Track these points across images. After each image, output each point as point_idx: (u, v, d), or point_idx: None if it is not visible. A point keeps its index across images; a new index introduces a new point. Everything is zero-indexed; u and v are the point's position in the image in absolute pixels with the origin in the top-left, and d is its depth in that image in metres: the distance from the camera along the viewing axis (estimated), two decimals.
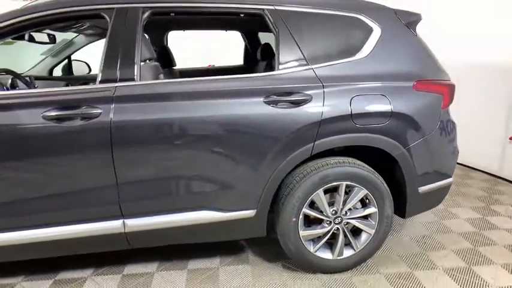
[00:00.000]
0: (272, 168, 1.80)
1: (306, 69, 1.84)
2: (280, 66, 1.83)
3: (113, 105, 1.64)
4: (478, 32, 3.45)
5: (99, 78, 1.68)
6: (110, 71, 1.68)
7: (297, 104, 1.77)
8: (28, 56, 3.03)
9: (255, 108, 1.75)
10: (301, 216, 1.90)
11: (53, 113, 1.59)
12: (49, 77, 2.96)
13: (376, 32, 1.96)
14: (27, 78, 2.33)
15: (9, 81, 2.09)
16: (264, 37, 3.03)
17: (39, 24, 1.74)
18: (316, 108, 1.78)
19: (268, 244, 2.27)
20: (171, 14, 1.93)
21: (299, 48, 1.85)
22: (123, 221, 1.76)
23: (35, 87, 2.33)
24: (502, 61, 3.31)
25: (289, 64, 1.84)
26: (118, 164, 1.66)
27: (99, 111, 1.62)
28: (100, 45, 2.78)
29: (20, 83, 2.23)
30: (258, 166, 1.79)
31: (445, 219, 2.70)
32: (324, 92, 1.80)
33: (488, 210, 2.86)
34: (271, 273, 2.06)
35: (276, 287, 1.94)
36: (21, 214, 1.67)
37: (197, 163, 1.75)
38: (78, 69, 3.24)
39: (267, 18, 1.87)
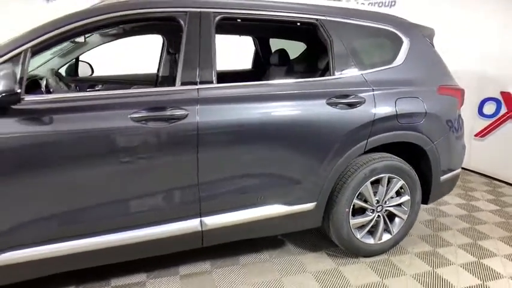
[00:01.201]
0: (333, 164, 1.99)
1: (357, 75, 2.07)
2: (336, 72, 2.03)
3: (198, 106, 1.68)
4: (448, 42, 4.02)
5: (179, 80, 1.71)
6: (190, 73, 1.72)
7: (353, 105, 1.99)
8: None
9: (320, 109, 1.92)
10: (352, 207, 2.11)
11: (141, 114, 1.59)
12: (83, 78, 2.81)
13: (406, 43, 2.26)
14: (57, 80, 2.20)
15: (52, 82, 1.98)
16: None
17: (112, 25, 1.71)
18: (369, 109, 2.01)
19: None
20: (238, 20, 2.01)
21: (350, 55, 2.07)
22: (201, 220, 1.80)
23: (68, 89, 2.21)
24: (468, 67, 3.89)
25: (343, 70, 2.04)
26: (202, 163, 1.71)
27: (186, 112, 1.65)
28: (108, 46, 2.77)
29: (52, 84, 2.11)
30: (322, 162, 1.96)
31: (439, 205, 3.13)
32: (374, 95, 2.04)
33: (467, 196, 3.38)
34: (318, 261, 2.23)
35: (329, 271, 2.12)
36: (107, 217, 1.63)
37: (270, 161, 1.87)
38: (81, 71, 3.08)
39: (320, 28, 2.05)
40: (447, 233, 2.65)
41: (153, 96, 1.67)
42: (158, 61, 3.16)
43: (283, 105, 1.87)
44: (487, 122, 3.89)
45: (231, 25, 2.23)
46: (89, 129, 1.52)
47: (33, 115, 1.46)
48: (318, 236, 2.51)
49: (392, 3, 4.73)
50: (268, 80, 2.68)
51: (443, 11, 4.04)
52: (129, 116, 1.57)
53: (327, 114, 1.93)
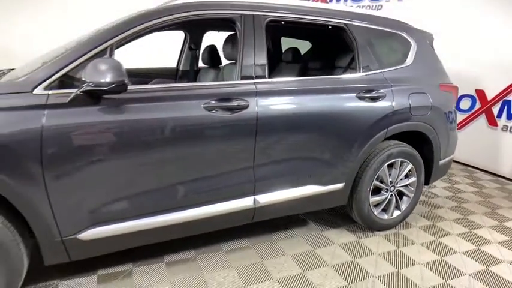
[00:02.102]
0: (360, 149, 2.30)
1: (378, 73, 2.40)
2: (361, 70, 2.34)
3: (256, 98, 1.92)
4: None
5: (239, 74, 1.94)
6: (248, 69, 1.95)
7: (375, 99, 2.31)
8: None
9: (352, 102, 2.23)
10: (372, 187, 2.45)
11: (212, 104, 1.80)
12: None
13: (413, 46, 2.63)
14: None
15: None
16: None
17: (180, 24, 1.89)
18: (389, 102, 2.35)
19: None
20: (282, 23, 2.24)
21: (372, 56, 2.39)
22: (254, 198, 2.04)
23: None
24: (446, 66, 4.38)
25: (367, 68, 2.36)
26: (258, 148, 1.95)
27: (247, 103, 1.88)
28: None
29: None
30: (352, 147, 2.27)
31: (429, 188, 3.58)
32: (392, 90, 2.38)
33: (449, 180, 3.87)
34: (340, 235, 2.56)
35: (352, 243, 2.45)
36: (177, 197, 1.83)
37: (311, 147, 2.15)
38: None
39: (347, 31, 2.35)
40: (440, 210, 3.09)
41: (221, 88, 1.89)
42: (179, 56, 3.32)
43: (323, 98, 2.15)
44: (463, 116, 4.42)
45: (274, 27, 2.46)
46: (174, 117, 1.71)
47: (135, 103, 1.64)
48: (334, 215, 2.83)
49: (379, 7, 5.16)
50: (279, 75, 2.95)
51: (424, 15, 4.51)
52: (202, 106, 1.78)
53: (357, 106, 2.24)
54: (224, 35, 3.17)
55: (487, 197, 3.45)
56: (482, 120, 4.26)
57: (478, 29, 4.13)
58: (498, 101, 4.07)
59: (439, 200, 3.32)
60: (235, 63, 2.23)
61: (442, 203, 3.24)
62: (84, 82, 1.49)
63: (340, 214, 2.85)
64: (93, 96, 1.55)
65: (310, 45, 3.66)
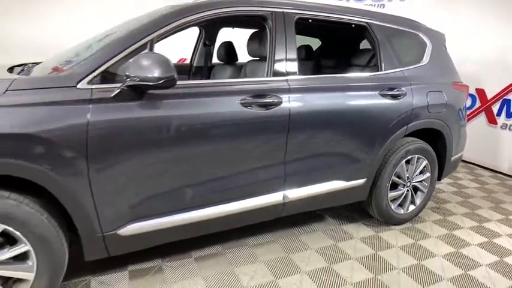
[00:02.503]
0: (382, 145, 2.37)
1: (398, 71, 2.46)
2: (383, 68, 2.40)
3: (289, 95, 1.95)
4: None
5: (271, 71, 1.96)
6: (280, 66, 1.98)
7: (397, 97, 2.38)
8: None
9: (375, 99, 2.29)
10: (390, 182, 2.52)
11: (248, 100, 1.82)
12: None
13: (429, 45, 2.70)
14: None
15: None
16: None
17: (210, 21, 1.89)
18: (409, 100, 2.42)
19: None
20: (309, 20, 2.27)
21: (393, 54, 2.45)
22: (284, 193, 2.08)
23: None
24: None
25: (388, 66, 2.42)
26: (289, 144, 1.98)
27: (280, 100, 1.91)
28: None
29: None
30: (375, 143, 2.33)
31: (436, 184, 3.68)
32: (411, 88, 2.45)
33: (452, 176, 4.00)
34: (359, 230, 2.62)
35: (371, 237, 2.51)
36: (212, 192, 1.84)
37: (338, 143, 2.20)
38: None
39: (369, 29, 2.40)
40: (449, 205, 3.20)
41: (255, 85, 1.90)
42: (192, 52, 3.31)
43: (348, 95, 2.20)
44: None
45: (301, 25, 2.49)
46: (212, 112, 1.73)
47: (177, 99, 1.66)
48: (350, 211, 2.90)
49: (382, 6, 5.25)
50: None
51: (426, 15, 4.62)
52: (239, 102, 1.80)
53: (380, 104, 2.30)
54: (239, 31, 3.22)
55: (490, 192, 3.58)
56: (482, 118, 4.40)
57: (479, 30, 4.26)
58: (498, 99, 4.21)
59: (445, 195, 3.43)
60: (260, 60, 2.25)
61: (449, 198, 3.35)
62: (129, 77, 1.48)
63: (356, 209, 2.91)
64: (137, 91, 1.55)
65: (320, 42, 3.71)
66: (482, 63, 4.27)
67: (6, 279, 1.48)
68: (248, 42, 2.31)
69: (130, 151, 1.57)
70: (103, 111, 1.49)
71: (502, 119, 4.20)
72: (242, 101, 1.81)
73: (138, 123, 1.56)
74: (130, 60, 1.52)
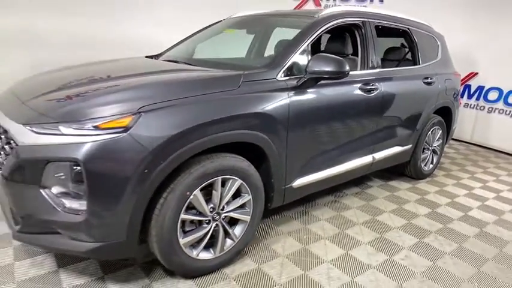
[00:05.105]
0: (422, 118, 3.25)
1: (428, 65, 3.36)
2: (420, 62, 3.28)
3: (382, 83, 2.70)
4: None
5: (366, 65, 2.67)
6: (373, 61, 2.70)
7: (430, 83, 3.28)
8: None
9: (420, 85, 3.16)
10: (422, 147, 3.44)
11: (362, 87, 2.53)
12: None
13: (439, 45, 3.66)
14: None
15: None
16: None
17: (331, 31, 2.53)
18: (437, 86, 3.35)
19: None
20: (379, 27, 2.99)
21: (425, 52, 3.34)
22: (372, 156, 2.84)
23: None
24: None
25: (422, 61, 3.31)
26: (380, 118, 2.74)
27: (377, 87, 2.65)
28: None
29: None
30: (419, 118, 3.21)
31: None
32: (437, 77, 3.38)
33: None
34: (400, 184, 3.50)
35: (411, 188, 3.41)
36: (344, 154, 2.53)
37: (403, 117, 3.02)
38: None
39: (410, 33, 3.25)
40: (455, 167, 4.28)
41: (365, 76, 2.61)
42: (247, 52, 3.84)
43: (408, 82, 3.03)
44: None
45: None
46: (350, 95, 2.44)
47: (337, 86, 2.33)
48: (389, 173, 3.76)
49: (381, 1, 6.11)
50: None
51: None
52: (359, 87, 2.50)
53: (423, 88, 3.19)
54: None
55: (467, 155, 4.79)
56: None
57: (448, 28, 5.42)
58: (461, 85, 5.46)
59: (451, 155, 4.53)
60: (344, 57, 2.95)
61: (455, 158, 4.45)
62: (310, 70, 2.07)
63: (392, 171, 3.78)
64: (314, 80, 2.15)
65: None
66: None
67: (231, 222, 2.00)
68: (328, 43, 2.98)
69: (308, 123, 2.18)
70: (295, 95, 2.08)
71: (464, 100, 5.47)
72: (360, 87, 2.51)
73: (313, 104, 2.18)
74: (310, 58, 2.11)
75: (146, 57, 2.91)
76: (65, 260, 1.98)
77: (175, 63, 2.46)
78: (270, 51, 3.23)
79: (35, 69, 2.54)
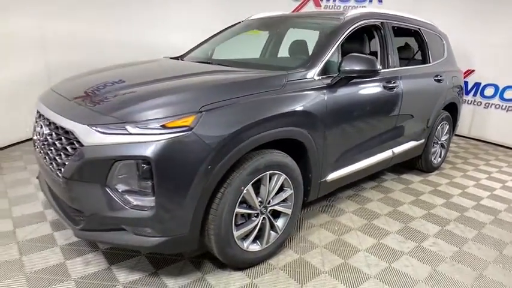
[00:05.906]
0: (435, 113, 3.42)
1: (437, 63, 3.53)
2: (431, 61, 3.45)
3: (401, 80, 2.84)
4: None
5: (387, 64, 2.81)
6: (393, 60, 2.84)
7: (440, 81, 3.45)
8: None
9: (431, 82, 3.32)
10: (433, 141, 3.62)
11: (385, 84, 2.66)
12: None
13: (445, 43, 3.84)
14: None
15: None
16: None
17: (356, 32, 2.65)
18: (446, 83, 3.52)
19: None
20: (394, 28, 3.13)
21: (434, 51, 3.51)
22: (392, 150, 2.98)
23: None
24: None
25: (433, 60, 3.48)
26: (399, 115, 2.88)
27: (397, 84, 2.79)
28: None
29: None
30: (431, 113, 3.38)
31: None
32: (445, 75, 3.55)
33: None
34: (413, 178, 3.67)
35: (422, 181, 3.58)
36: (369, 149, 2.66)
37: (419, 113, 3.18)
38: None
39: (421, 33, 3.41)
40: (459, 160, 4.48)
41: (387, 74, 2.74)
42: (261, 51, 3.93)
43: (421, 80, 3.19)
44: None
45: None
46: (374, 92, 2.56)
47: (367, 84, 2.48)
48: (401, 167, 3.93)
49: (380, 1, 6.28)
50: None
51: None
52: (382, 84, 2.63)
53: (434, 85, 3.35)
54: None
55: (467, 149, 5.01)
56: None
57: (446, 28, 5.66)
58: None
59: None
60: None
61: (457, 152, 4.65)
62: (343, 69, 2.19)
63: (404, 165, 3.95)
64: (347, 79, 2.27)
65: None
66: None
67: (274, 215, 2.09)
68: (345, 43, 3.10)
69: (342, 119, 2.30)
70: (330, 93, 2.19)
71: None
72: (383, 85, 2.65)
73: (347, 101, 2.30)
74: (343, 58, 2.23)
75: (171, 58, 2.98)
76: (114, 258, 2.04)
77: (209, 65, 2.54)
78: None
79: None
